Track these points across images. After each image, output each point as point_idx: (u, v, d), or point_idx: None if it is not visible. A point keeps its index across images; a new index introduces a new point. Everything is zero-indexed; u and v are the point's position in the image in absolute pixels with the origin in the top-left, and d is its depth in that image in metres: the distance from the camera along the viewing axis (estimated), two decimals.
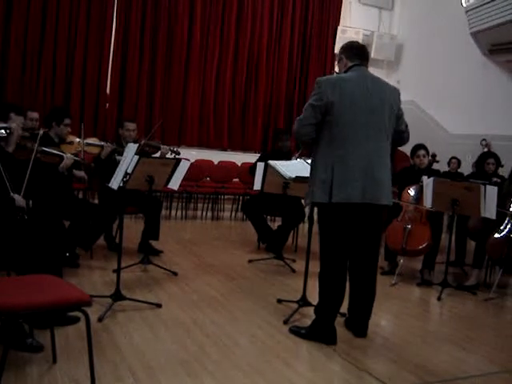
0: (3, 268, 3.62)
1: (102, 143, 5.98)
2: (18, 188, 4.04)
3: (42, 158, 4.78)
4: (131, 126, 6.24)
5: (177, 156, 6.17)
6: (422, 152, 6.20)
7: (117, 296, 4.27)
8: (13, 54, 8.99)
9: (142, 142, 6.07)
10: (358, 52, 3.96)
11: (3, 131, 4.03)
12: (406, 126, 4.10)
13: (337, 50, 11.23)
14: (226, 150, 10.89)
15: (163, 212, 7.46)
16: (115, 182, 4.35)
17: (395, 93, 3.95)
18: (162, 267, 5.45)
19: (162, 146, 6.43)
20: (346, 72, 3.93)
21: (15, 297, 2.65)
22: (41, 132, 4.88)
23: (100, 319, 3.91)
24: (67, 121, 5.46)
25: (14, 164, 4.06)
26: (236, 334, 3.94)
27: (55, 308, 2.77)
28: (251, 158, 7.56)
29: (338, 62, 4.07)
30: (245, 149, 11.03)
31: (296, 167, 4.67)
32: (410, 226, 5.82)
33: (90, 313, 2.81)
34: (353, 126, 3.69)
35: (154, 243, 6.19)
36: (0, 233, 3.52)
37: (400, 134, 4.04)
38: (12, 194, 3.92)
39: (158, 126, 6.54)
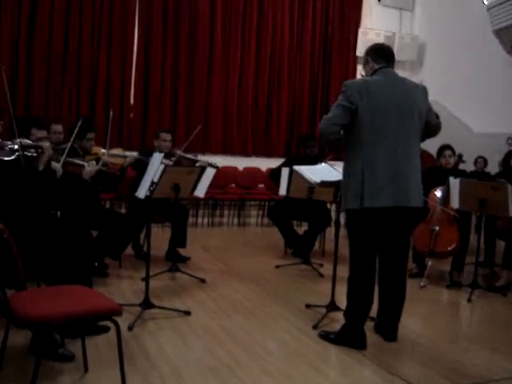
0: (34, 279, 3.65)
1: (126, 154, 6.02)
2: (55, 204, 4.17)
3: (66, 168, 4.83)
4: (167, 136, 6.29)
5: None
6: (448, 152, 6.15)
7: (146, 304, 4.30)
8: (37, 68, 9.09)
9: (178, 153, 6.10)
10: (384, 54, 3.93)
11: (33, 150, 4.07)
12: (437, 116, 4.05)
13: (358, 52, 11.18)
14: (250, 156, 10.90)
15: (190, 219, 7.50)
16: (142, 192, 4.38)
17: (423, 91, 3.91)
18: (189, 274, 5.48)
19: (199, 160, 6.42)
20: (372, 75, 3.89)
21: (46, 307, 2.69)
22: (68, 145, 4.94)
23: (130, 328, 3.94)
24: (90, 135, 5.46)
25: (47, 182, 4.12)
26: (265, 340, 3.94)
27: (86, 318, 2.80)
28: (276, 163, 7.55)
29: (365, 65, 4.02)
30: (269, 154, 11.01)
31: (321, 172, 4.66)
32: (437, 228, 5.77)
33: (120, 321, 2.83)
34: (382, 130, 3.66)
35: (181, 251, 6.22)
36: (31, 244, 3.56)
37: (432, 127, 4.00)
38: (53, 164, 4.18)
39: (195, 133, 6.42)
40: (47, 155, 4.11)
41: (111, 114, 6.11)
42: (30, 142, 4.16)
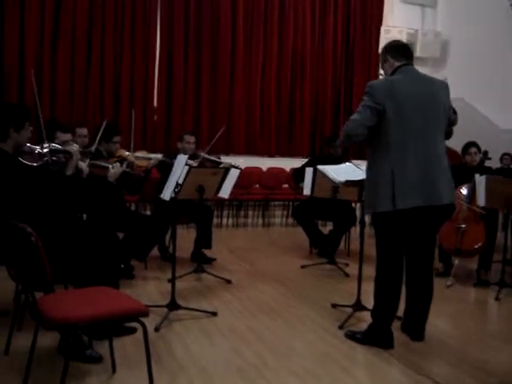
0: (61, 281, 3.70)
1: (151, 156, 6.06)
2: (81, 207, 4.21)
3: (90, 170, 4.85)
4: (191, 138, 6.33)
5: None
6: (473, 149, 6.10)
7: (172, 305, 4.32)
8: (61, 72, 9.17)
9: (201, 155, 6.13)
10: (404, 51, 3.88)
11: (62, 155, 4.09)
12: (455, 111, 4.01)
13: (381, 50, 11.11)
14: (273, 157, 10.88)
15: (214, 220, 7.52)
16: (167, 193, 4.41)
17: (446, 88, 3.86)
18: (215, 275, 5.49)
19: (222, 162, 6.41)
20: (393, 73, 3.84)
21: (74, 309, 2.72)
22: (93, 148, 4.99)
23: (156, 329, 3.96)
24: (116, 139, 5.54)
25: (74, 185, 4.14)
26: (291, 340, 3.94)
27: (113, 319, 2.83)
28: (299, 163, 7.55)
29: (384, 63, 3.96)
30: (292, 154, 10.98)
31: (345, 171, 4.64)
32: (464, 226, 5.71)
33: (147, 322, 2.85)
34: (408, 129, 3.62)
35: (206, 252, 6.25)
36: (58, 247, 3.60)
37: (449, 122, 3.93)
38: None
39: (219, 135, 6.44)
40: (75, 160, 4.10)
41: (133, 114, 6.17)
42: (58, 146, 4.18)
